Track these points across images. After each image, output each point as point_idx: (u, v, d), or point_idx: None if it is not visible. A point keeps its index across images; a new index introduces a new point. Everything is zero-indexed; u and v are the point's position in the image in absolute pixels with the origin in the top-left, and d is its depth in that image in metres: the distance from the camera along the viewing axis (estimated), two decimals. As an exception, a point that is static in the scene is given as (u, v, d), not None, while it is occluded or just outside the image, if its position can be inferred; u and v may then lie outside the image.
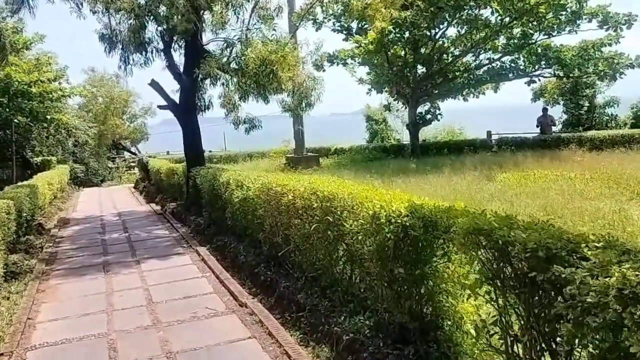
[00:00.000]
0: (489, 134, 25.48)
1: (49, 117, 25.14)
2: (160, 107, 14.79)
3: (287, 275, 6.89)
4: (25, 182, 14.76)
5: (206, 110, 15.77)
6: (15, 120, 22.82)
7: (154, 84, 14.06)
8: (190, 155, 14.80)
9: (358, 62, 24.39)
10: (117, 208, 17.73)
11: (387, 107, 28.40)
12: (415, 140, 24.98)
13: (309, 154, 25.14)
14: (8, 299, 7.42)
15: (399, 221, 4.05)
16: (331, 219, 5.29)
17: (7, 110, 22.83)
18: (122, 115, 36.26)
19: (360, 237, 4.68)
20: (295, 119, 23.68)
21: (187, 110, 14.24)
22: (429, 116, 25.00)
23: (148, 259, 9.25)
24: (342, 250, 5.39)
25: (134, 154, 38.79)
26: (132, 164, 37.47)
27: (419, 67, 24.11)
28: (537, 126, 25.31)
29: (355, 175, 16.65)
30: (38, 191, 14.31)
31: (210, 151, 38.79)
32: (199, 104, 15.33)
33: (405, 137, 38.71)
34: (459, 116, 36.87)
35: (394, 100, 27.22)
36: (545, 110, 26.10)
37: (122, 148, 39.00)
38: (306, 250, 6.15)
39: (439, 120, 25.50)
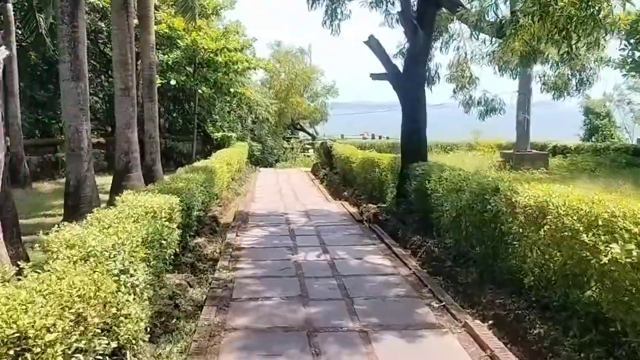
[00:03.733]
0: None
1: (232, 90, 23.02)
2: (374, 75, 10.79)
3: None
4: (201, 164, 11.91)
5: (432, 84, 11.43)
6: (200, 91, 20.83)
7: (372, 42, 10.08)
8: (408, 144, 10.66)
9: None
10: (300, 201, 14.38)
11: None
12: None
13: (533, 151, 19.65)
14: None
15: None
16: None
17: (192, 79, 20.94)
18: (303, 93, 33.85)
19: None
20: (520, 105, 18.39)
21: (413, 81, 10.04)
22: None
23: (381, 329, 5.18)
24: None
25: (312, 135, 36.35)
26: (308, 146, 35.10)
27: None
28: None
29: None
30: (215, 177, 11.31)
31: (379, 136, 34.93)
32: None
33: (635, 137, 30.96)
34: None
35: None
36: None
37: (300, 128, 36.81)
38: None
39: None
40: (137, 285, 4.41)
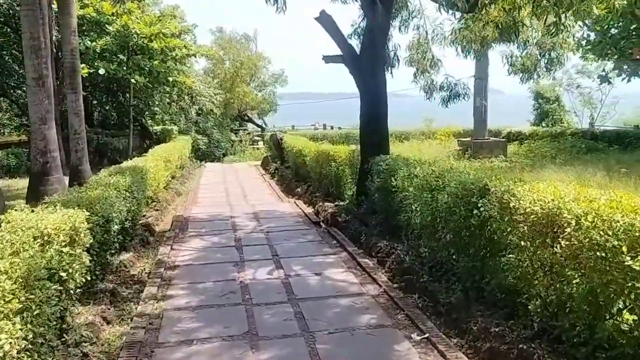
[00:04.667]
0: None
1: (170, 79, 21.22)
2: (327, 58, 9.53)
3: None
4: (130, 163, 10.33)
5: (392, 67, 10.26)
6: (133, 80, 18.94)
7: (324, 18, 8.80)
8: (368, 136, 9.49)
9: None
10: (249, 202, 13.03)
11: (605, 78, 20.91)
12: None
13: (491, 138, 18.95)
14: None
15: None
16: None
17: (125, 68, 19.00)
18: (250, 82, 32.18)
19: None
20: (477, 90, 17.55)
21: (372, 63, 8.84)
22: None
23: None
24: None
25: (260, 127, 34.81)
26: (257, 138, 33.63)
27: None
28: None
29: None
30: (148, 178, 9.81)
31: (331, 127, 33.76)
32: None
33: (584, 121, 31.11)
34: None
35: (614, 69, 19.67)
36: None
37: (248, 120, 35.15)
38: None
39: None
40: (4, 356, 3.01)
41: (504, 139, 19.48)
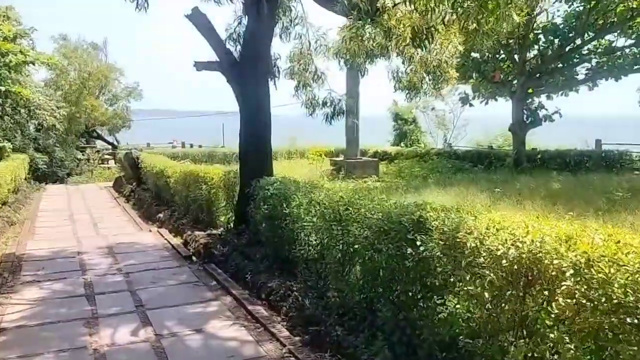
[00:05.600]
0: (599, 143, 19.30)
1: (2, 88, 18.01)
2: (200, 65, 8.10)
3: None
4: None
5: (275, 79, 9.14)
6: (-50, 88, 15.60)
7: (198, 17, 7.43)
8: (250, 155, 8.25)
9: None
10: (101, 232, 11.01)
11: (466, 100, 21.63)
12: (521, 147, 18.62)
13: (364, 158, 18.67)
14: None
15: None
16: None
17: (-60, 74, 15.60)
18: (100, 95, 28.99)
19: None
20: (349, 108, 17.08)
21: (256, 71, 7.64)
22: (542, 113, 18.56)
23: None
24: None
25: (112, 144, 31.55)
26: (108, 157, 30.37)
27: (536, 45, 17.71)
28: None
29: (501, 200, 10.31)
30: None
31: (190, 145, 31.87)
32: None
33: (439, 142, 32.71)
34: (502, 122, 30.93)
35: (475, 92, 20.46)
36: None
37: (97, 136, 31.69)
38: None
39: (552, 121, 18.98)
40: None
41: (375, 159, 19.37)
